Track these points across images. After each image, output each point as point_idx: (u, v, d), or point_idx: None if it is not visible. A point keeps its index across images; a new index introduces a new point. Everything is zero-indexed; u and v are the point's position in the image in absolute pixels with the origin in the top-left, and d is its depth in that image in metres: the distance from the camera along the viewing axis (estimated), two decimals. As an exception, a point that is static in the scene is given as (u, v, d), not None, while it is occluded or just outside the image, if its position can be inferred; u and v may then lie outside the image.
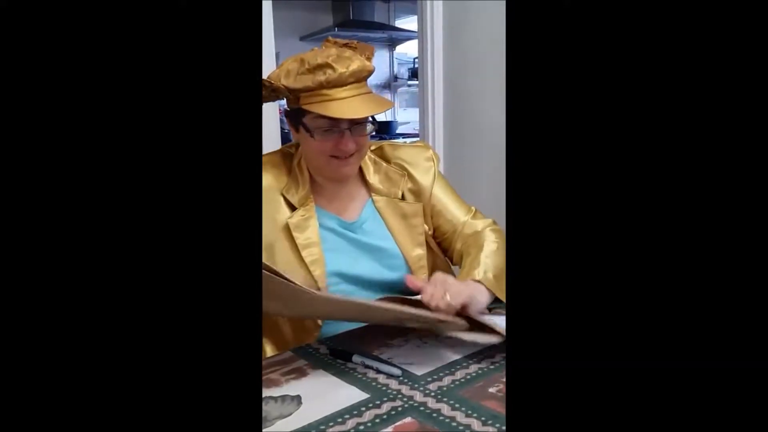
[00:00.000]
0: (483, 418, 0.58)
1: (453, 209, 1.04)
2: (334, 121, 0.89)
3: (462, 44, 2.05)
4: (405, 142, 1.14)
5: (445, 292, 0.79)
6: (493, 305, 0.93)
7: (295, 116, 0.93)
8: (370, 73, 0.91)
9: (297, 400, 0.64)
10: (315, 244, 0.94)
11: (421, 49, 2.17)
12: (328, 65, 0.86)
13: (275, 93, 0.90)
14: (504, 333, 0.74)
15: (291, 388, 0.67)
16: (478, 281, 0.89)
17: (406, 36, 4.12)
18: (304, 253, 0.93)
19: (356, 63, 0.88)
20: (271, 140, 1.75)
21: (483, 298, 0.87)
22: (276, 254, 0.93)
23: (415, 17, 2.24)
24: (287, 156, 1.01)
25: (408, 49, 4.20)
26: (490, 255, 0.96)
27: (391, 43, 4.30)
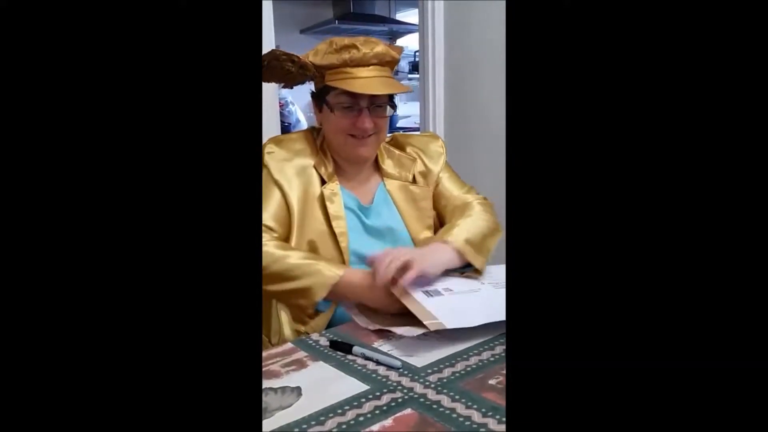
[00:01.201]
0: (483, 410, 0.58)
1: (449, 186, 1.10)
2: (354, 99, 0.95)
3: (463, 37, 2.04)
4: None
5: (390, 260, 0.83)
6: (465, 269, 0.96)
7: (319, 95, 0.99)
8: (394, 59, 0.97)
9: (297, 391, 0.64)
10: (342, 218, 0.99)
11: (422, 42, 2.17)
12: (354, 46, 0.92)
13: (303, 70, 0.95)
14: (438, 324, 0.74)
15: (291, 379, 0.67)
16: (444, 242, 0.93)
17: (406, 29, 4.11)
18: (334, 224, 0.98)
19: (381, 47, 0.94)
20: (271, 134, 1.74)
21: (443, 257, 0.91)
22: (308, 223, 0.98)
23: (416, 10, 2.23)
24: (313, 137, 1.06)
25: (409, 43, 4.20)
26: (468, 222, 1.00)
27: (392, 36, 4.28)
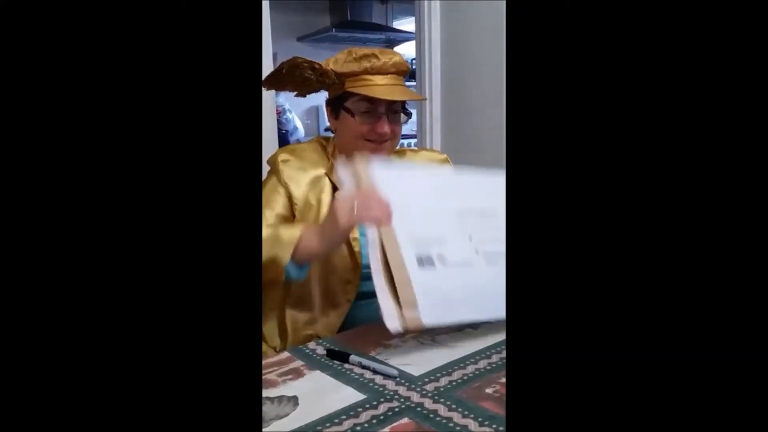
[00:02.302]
0: (480, 419, 0.58)
1: None
2: (373, 105, 0.98)
3: (459, 45, 2.05)
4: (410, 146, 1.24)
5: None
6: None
7: (337, 101, 1.02)
8: (408, 69, 1.02)
9: (294, 400, 0.64)
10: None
11: (419, 50, 2.18)
12: (373, 55, 0.97)
13: (322, 78, 0.98)
14: (415, 321, 0.72)
15: (288, 388, 0.67)
16: None
17: (403, 37, 4.13)
18: None
19: (398, 57, 1.00)
20: (267, 141, 1.75)
21: None
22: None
23: (413, 18, 2.24)
24: (323, 146, 1.09)
25: (406, 50, 4.21)
26: None
27: (389, 45, 4.30)
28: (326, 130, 4.22)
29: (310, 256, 0.88)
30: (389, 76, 0.98)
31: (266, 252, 0.85)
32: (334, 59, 0.98)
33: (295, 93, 1.04)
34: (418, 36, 2.18)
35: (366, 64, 0.96)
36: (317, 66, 0.96)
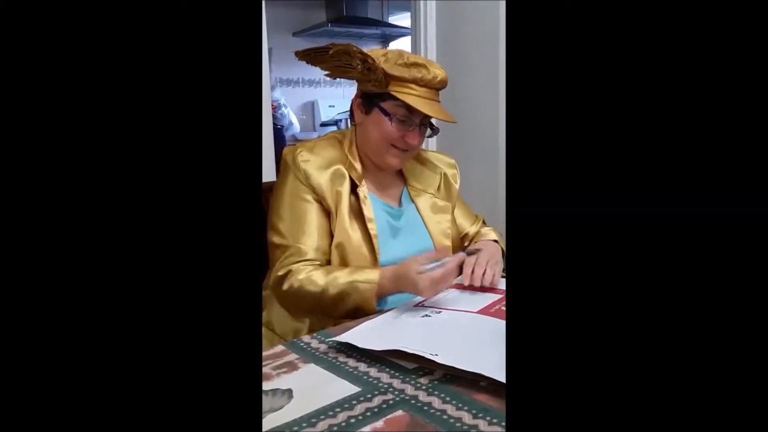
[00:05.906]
0: (474, 411, 0.59)
1: (461, 221, 1.20)
2: (410, 114, 1.00)
3: (455, 41, 2.05)
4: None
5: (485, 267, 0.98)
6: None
7: (372, 98, 1.01)
8: (445, 86, 1.03)
9: (288, 393, 0.64)
10: (373, 220, 1.02)
11: (415, 45, 2.17)
12: (424, 66, 0.97)
13: (369, 72, 0.97)
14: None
15: (282, 381, 0.67)
16: (495, 240, 1.13)
17: (399, 32, 4.12)
18: (369, 226, 1.01)
19: (443, 74, 1.00)
20: (262, 137, 1.74)
21: (498, 252, 1.07)
22: (338, 228, 1.00)
23: (409, 13, 2.24)
24: (339, 141, 1.08)
25: (401, 46, 4.21)
26: (488, 228, 1.19)
27: (385, 40, 4.29)
28: (322, 125, 4.21)
29: (385, 294, 0.96)
30: (432, 91, 1.00)
31: (348, 300, 0.93)
32: (384, 57, 0.98)
33: (325, 72, 1.03)
34: (413, 32, 2.18)
35: (416, 74, 0.96)
36: (370, 61, 0.95)
